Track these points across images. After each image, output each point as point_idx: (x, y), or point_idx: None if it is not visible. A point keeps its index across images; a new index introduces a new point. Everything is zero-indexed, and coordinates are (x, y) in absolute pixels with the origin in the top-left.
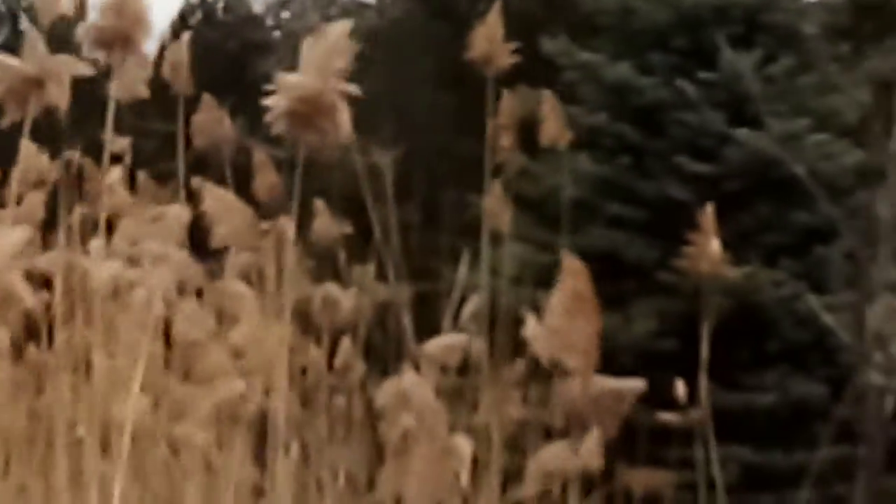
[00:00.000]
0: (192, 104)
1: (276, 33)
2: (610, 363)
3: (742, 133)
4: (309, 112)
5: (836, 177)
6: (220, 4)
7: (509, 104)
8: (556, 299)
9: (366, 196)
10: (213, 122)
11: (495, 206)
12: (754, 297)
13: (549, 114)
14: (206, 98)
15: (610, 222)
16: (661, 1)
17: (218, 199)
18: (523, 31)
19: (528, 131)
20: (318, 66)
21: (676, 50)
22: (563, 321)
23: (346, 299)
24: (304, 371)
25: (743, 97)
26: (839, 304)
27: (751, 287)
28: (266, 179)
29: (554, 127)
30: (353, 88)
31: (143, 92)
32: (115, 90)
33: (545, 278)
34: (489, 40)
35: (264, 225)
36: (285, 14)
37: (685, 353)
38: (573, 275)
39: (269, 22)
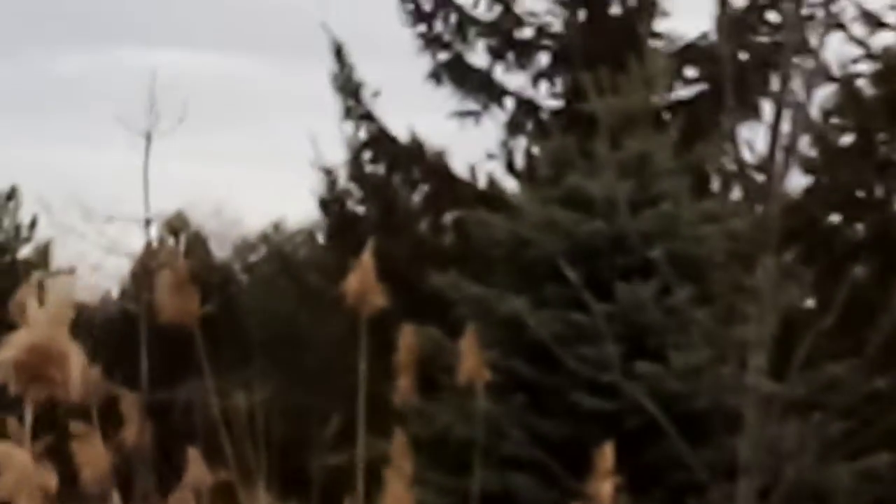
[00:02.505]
0: None
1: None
2: None
3: (642, 367)
4: (37, 362)
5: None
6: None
7: (408, 341)
8: None
9: (223, 442)
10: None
11: (397, 450)
12: None
13: (466, 352)
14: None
15: (505, 463)
16: (554, 231)
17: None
18: (410, 268)
19: (418, 369)
20: (47, 318)
21: (572, 282)
22: None
23: None
24: None
25: (642, 329)
26: None
27: None
28: (134, 425)
29: (471, 365)
30: (75, 345)
31: None
32: None
33: None
34: (362, 280)
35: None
36: (253, 257)
37: None
38: None
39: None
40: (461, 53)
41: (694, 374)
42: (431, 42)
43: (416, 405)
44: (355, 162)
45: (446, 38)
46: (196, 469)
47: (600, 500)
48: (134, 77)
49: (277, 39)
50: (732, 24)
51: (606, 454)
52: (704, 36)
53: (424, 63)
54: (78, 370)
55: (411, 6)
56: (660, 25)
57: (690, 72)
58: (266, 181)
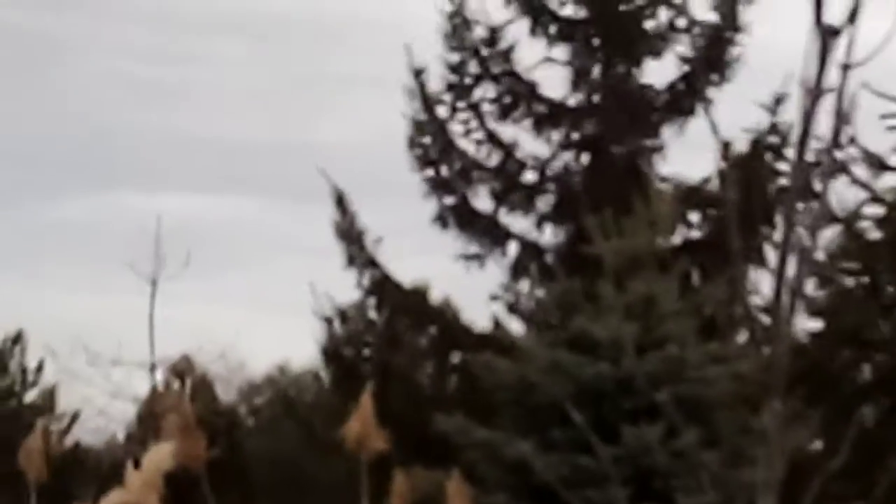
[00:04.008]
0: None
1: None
2: None
3: None
4: None
5: None
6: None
7: (401, 486)
8: None
9: None
10: None
11: None
12: None
13: (454, 495)
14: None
15: None
16: (560, 374)
17: None
18: (416, 411)
19: None
20: (140, 482)
21: (578, 425)
22: None
23: None
24: None
25: (649, 472)
26: None
27: None
28: None
29: None
30: None
31: None
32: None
33: None
34: (362, 424)
35: None
36: (258, 401)
37: None
38: None
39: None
40: (466, 197)
41: None
42: (438, 186)
43: None
44: (359, 308)
45: (452, 182)
46: None
47: None
48: (138, 221)
49: (283, 182)
50: (737, 168)
51: None
52: (708, 180)
53: (428, 207)
54: None
55: (419, 151)
56: (663, 169)
57: (694, 215)
58: (271, 324)
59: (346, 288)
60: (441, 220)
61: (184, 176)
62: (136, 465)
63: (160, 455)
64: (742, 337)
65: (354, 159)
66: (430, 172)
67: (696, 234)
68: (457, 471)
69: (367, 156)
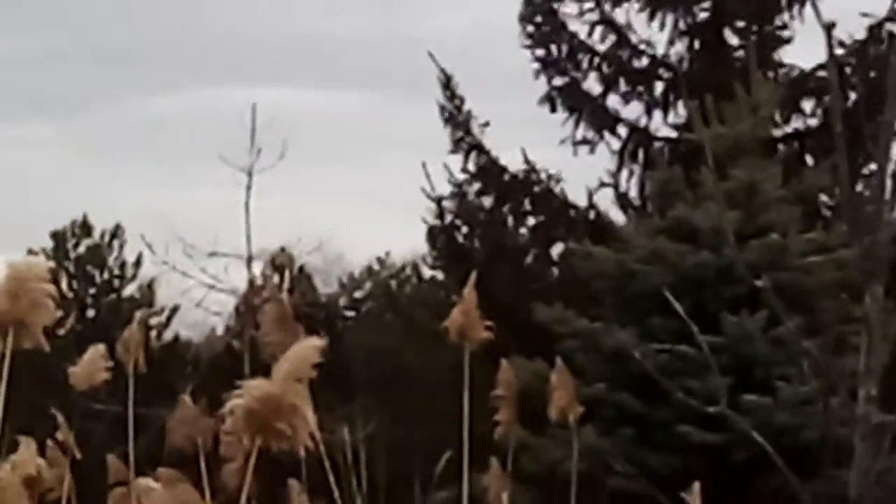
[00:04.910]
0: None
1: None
2: None
3: (750, 399)
4: (268, 413)
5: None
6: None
7: (507, 375)
8: None
9: (328, 476)
10: (192, 419)
11: (494, 484)
12: None
13: (558, 385)
14: (184, 398)
15: (614, 498)
16: (661, 263)
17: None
18: (517, 301)
19: (526, 404)
20: (286, 373)
21: (678, 314)
22: None
23: None
24: None
25: (750, 361)
26: None
27: None
28: (238, 460)
29: (563, 399)
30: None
31: (101, 378)
32: (75, 378)
33: None
34: (465, 314)
35: None
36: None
37: None
38: None
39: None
40: (576, 79)
41: (802, 406)
42: (549, 66)
43: (523, 440)
44: (464, 193)
45: (562, 63)
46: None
47: None
48: (232, 116)
49: (380, 76)
50: (854, 55)
51: (696, 493)
52: (822, 66)
53: (527, 103)
54: (307, 425)
55: (531, 28)
56: (780, 55)
57: (808, 103)
58: (368, 217)
59: (444, 183)
60: (549, 100)
61: (282, 70)
62: (236, 357)
63: (308, 348)
64: (845, 225)
65: (455, 53)
66: (541, 52)
67: (809, 122)
68: (559, 361)
69: (468, 50)
